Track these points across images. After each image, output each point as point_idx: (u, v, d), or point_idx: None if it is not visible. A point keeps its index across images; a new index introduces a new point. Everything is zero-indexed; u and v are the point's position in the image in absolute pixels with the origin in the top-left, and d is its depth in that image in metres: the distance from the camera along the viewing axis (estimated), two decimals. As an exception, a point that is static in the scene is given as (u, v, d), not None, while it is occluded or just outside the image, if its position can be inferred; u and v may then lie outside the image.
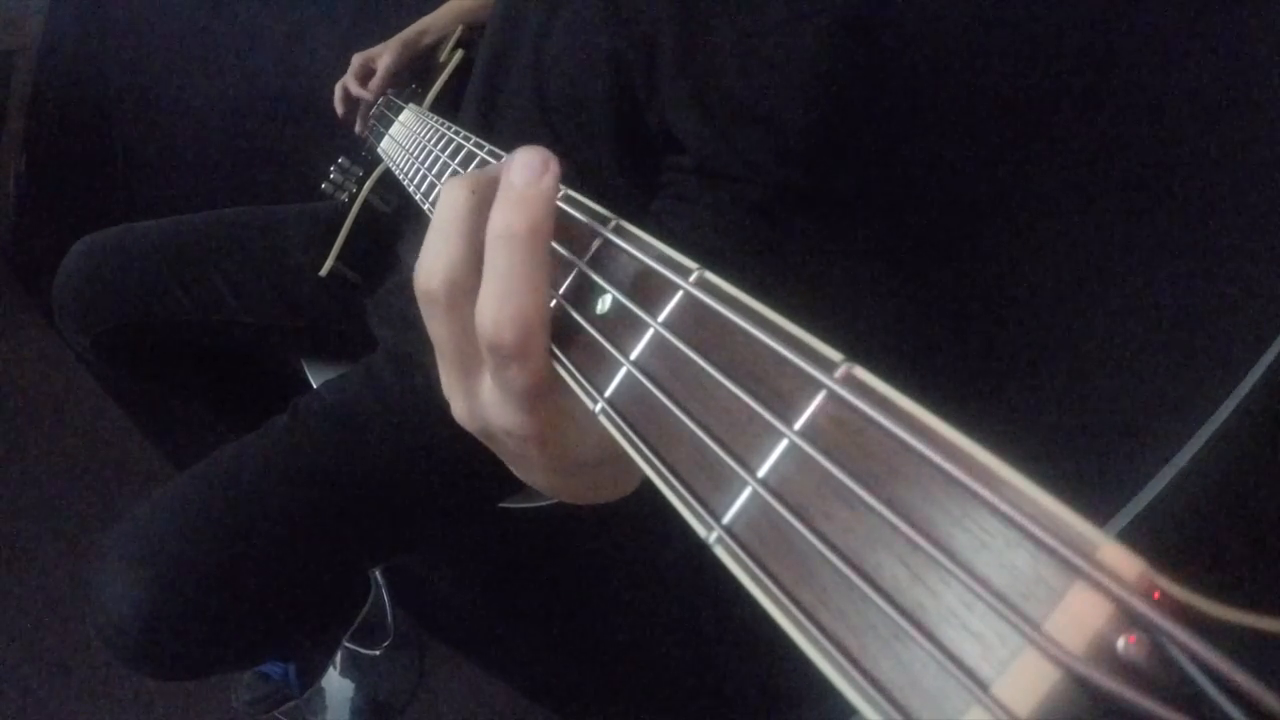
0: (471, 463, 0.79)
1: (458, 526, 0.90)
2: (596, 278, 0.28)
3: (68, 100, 1.95)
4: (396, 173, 0.77)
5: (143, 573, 0.64)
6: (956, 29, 0.97)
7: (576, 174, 0.79)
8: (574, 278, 0.30)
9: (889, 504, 0.16)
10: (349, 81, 1.04)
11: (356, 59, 1.04)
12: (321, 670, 1.12)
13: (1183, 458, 0.89)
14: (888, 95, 0.98)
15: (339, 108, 1.07)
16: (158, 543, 0.66)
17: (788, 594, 0.18)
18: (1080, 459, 0.94)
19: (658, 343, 0.25)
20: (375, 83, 1.02)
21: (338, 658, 1.24)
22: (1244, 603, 0.12)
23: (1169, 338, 0.91)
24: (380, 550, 0.84)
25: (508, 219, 0.26)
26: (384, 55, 1.02)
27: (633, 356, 0.25)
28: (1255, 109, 0.85)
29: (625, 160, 0.75)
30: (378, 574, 1.21)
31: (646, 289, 0.26)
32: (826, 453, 0.18)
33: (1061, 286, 0.96)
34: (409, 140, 0.77)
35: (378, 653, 1.25)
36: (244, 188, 1.70)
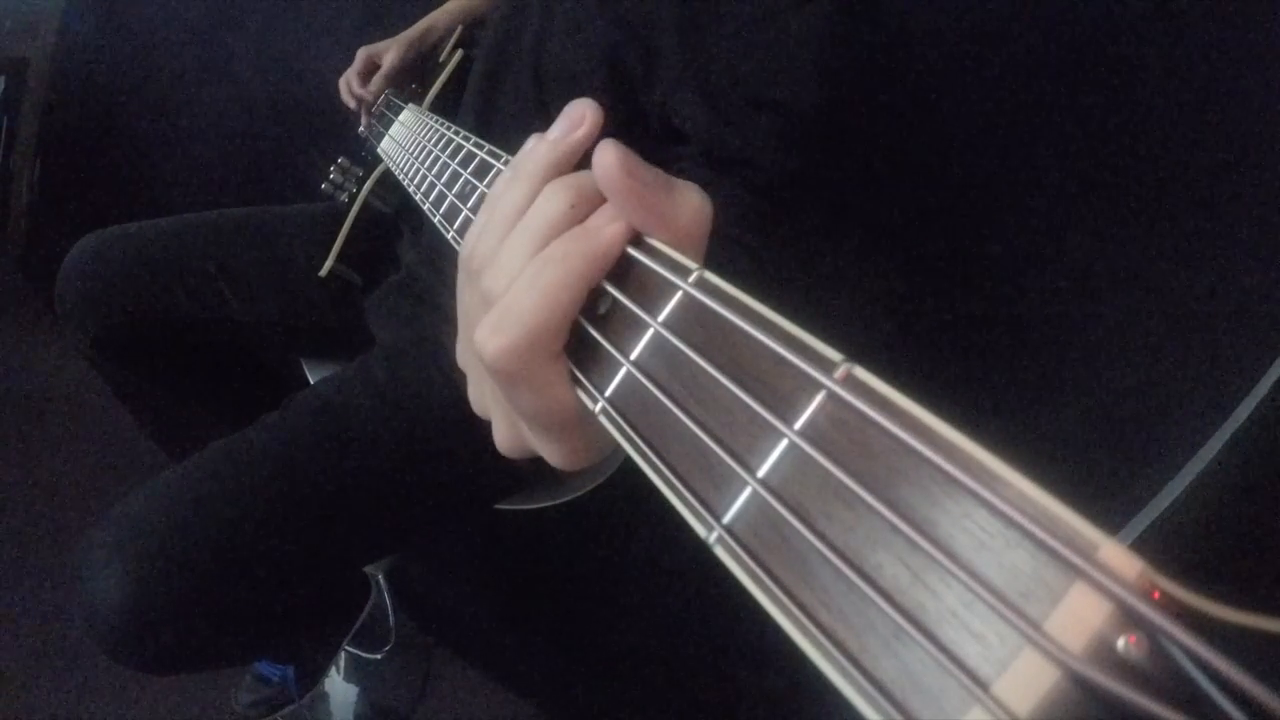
0: (464, 461, 0.79)
1: (451, 525, 0.90)
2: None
3: (81, 106, 1.97)
4: (396, 173, 0.77)
5: (128, 563, 0.64)
6: (962, 18, 0.96)
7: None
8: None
9: (889, 504, 0.16)
10: (351, 78, 1.04)
11: (361, 53, 1.04)
12: (321, 673, 1.12)
13: (1199, 463, 0.88)
14: (893, 81, 0.98)
15: (348, 101, 1.07)
16: (144, 534, 0.65)
17: (788, 594, 0.18)
18: (1090, 464, 0.93)
19: (658, 343, 0.25)
20: (377, 80, 1.03)
21: (341, 662, 1.24)
22: (1250, 603, 0.12)
23: (1182, 341, 0.90)
24: (372, 547, 0.83)
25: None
26: (389, 52, 1.02)
27: (633, 356, 0.25)
28: (1268, 103, 0.84)
29: None
30: (380, 577, 1.21)
31: (646, 289, 0.26)
32: (826, 453, 0.18)
33: (1071, 287, 0.95)
34: (409, 140, 0.77)
35: (379, 657, 1.24)
36: (245, 188, 1.71)
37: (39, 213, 2.00)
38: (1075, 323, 0.95)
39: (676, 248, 0.26)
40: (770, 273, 0.66)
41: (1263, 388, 0.85)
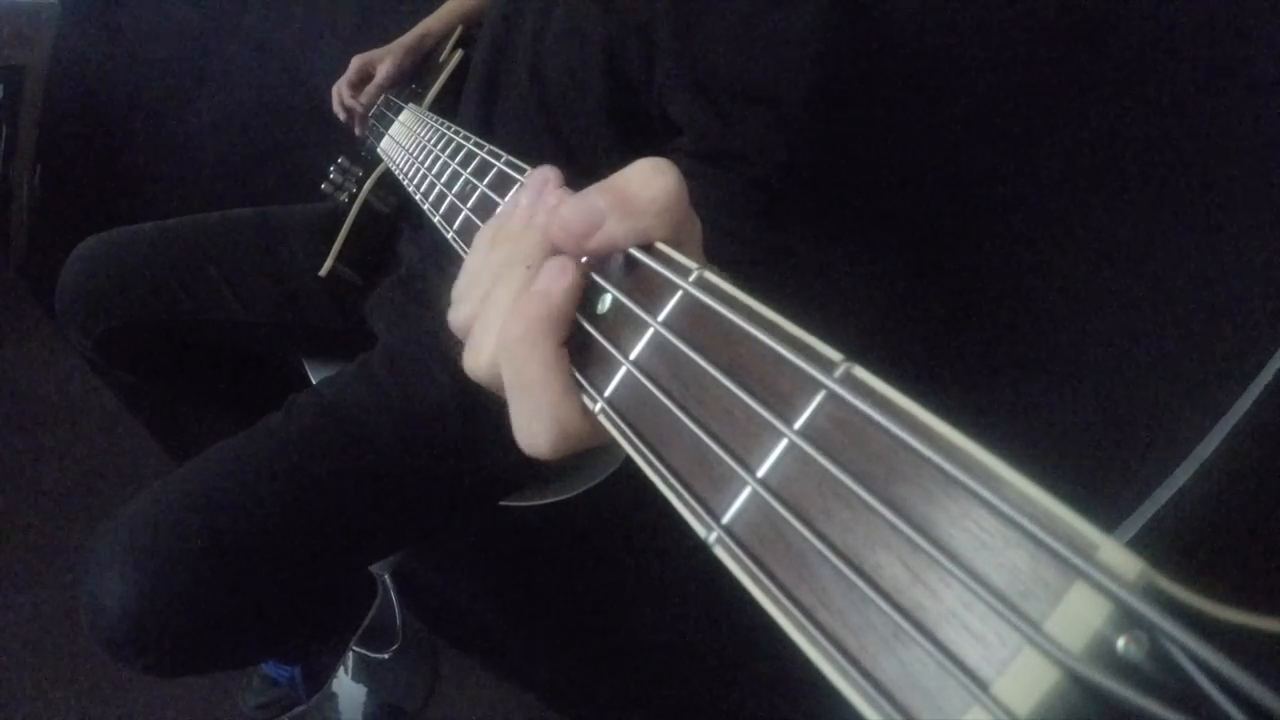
0: (467, 458, 0.79)
1: (455, 522, 0.90)
2: (596, 277, 0.28)
3: (79, 112, 1.99)
4: (396, 173, 0.77)
5: (133, 566, 0.64)
6: (957, 9, 0.96)
7: (576, 168, 0.79)
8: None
9: (889, 504, 0.16)
10: (343, 88, 1.04)
11: (356, 61, 1.04)
12: (329, 674, 1.12)
13: (1201, 454, 0.87)
14: (887, 73, 0.97)
15: (338, 112, 1.07)
16: (148, 536, 0.66)
17: (787, 594, 0.18)
18: (1089, 459, 0.93)
19: (657, 342, 0.25)
20: (370, 90, 1.03)
21: (349, 662, 1.24)
22: (1250, 603, 0.12)
23: (1180, 335, 0.90)
24: (377, 546, 0.83)
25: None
26: (384, 61, 1.02)
27: (632, 356, 0.25)
28: (1270, 93, 0.84)
29: (625, 150, 0.75)
30: (386, 577, 1.21)
31: (646, 289, 0.26)
32: (826, 452, 0.18)
33: (1070, 283, 0.95)
34: (408, 140, 0.77)
35: (387, 657, 1.25)
36: (245, 189, 1.71)
37: (39, 219, 2.01)
38: (1073, 318, 0.95)
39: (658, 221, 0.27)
40: (767, 265, 0.66)
41: (1257, 387, 0.84)
